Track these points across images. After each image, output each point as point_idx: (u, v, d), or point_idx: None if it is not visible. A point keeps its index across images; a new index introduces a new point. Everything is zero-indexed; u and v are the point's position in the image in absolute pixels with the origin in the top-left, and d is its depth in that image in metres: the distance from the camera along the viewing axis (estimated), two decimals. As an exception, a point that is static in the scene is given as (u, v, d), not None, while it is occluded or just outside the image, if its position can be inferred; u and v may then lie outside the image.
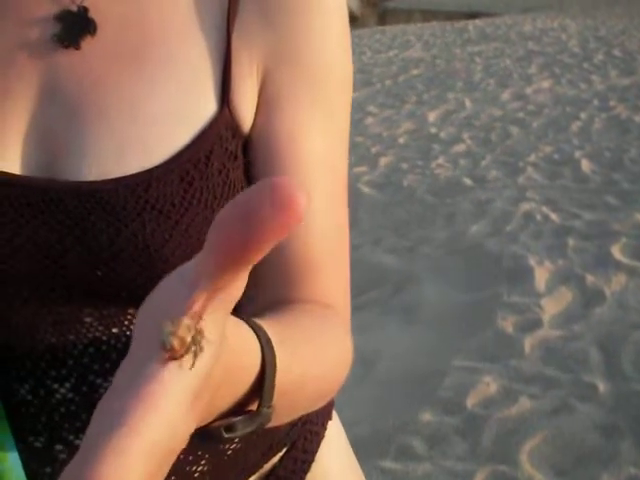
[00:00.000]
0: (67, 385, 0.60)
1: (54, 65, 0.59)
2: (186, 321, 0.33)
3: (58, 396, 0.60)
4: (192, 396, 0.33)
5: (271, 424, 0.48)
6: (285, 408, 0.49)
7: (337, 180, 0.64)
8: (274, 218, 0.29)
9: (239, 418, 0.44)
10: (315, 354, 0.56)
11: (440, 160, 5.75)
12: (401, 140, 6.42)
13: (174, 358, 0.33)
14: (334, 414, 0.80)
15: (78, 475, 0.29)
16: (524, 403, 2.61)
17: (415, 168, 5.58)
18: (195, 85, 0.60)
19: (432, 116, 7.28)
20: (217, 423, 0.43)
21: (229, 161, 0.60)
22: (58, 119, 0.58)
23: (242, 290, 0.35)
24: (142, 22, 0.60)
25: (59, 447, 0.61)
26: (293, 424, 0.72)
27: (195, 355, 0.33)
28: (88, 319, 0.59)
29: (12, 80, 0.59)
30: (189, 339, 0.33)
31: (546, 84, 8.50)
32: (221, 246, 0.31)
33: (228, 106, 0.60)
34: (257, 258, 0.31)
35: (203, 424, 0.42)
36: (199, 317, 0.33)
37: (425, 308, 3.42)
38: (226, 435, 0.43)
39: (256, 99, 0.62)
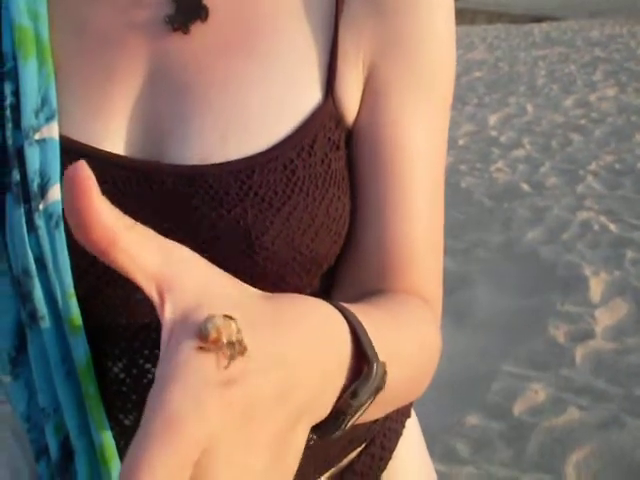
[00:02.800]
0: None
1: (162, 48, 0.60)
2: (230, 321, 0.35)
3: (150, 375, 0.61)
4: (237, 404, 0.33)
5: (369, 415, 0.48)
6: (378, 404, 0.48)
7: (437, 176, 0.64)
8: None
9: (357, 382, 0.44)
10: (409, 342, 0.56)
11: (499, 164, 5.69)
12: (461, 142, 6.37)
13: (207, 349, 0.34)
14: (412, 412, 0.80)
15: (127, 474, 0.30)
16: (572, 414, 2.58)
17: (474, 171, 5.54)
18: (301, 74, 0.60)
19: (493, 119, 7.21)
20: (343, 397, 0.43)
21: (331, 151, 0.60)
22: (163, 102, 0.59)
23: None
24: (252, 12, 0.60)
25: None
26: (374, 420, 0.72)
27: (231, 357, 0.34)
28: None
29: (119, 60, 0.59)
30: (225, 337, 0.34)
31: (611, 92, 8.33)
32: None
33: (332, 96, 0.60)
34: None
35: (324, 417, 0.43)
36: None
37: (477, 311, 3.40)
38: (353, 403, 0.44)
39: (361, 90, 0.62)
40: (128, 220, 0.37)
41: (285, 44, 0.60)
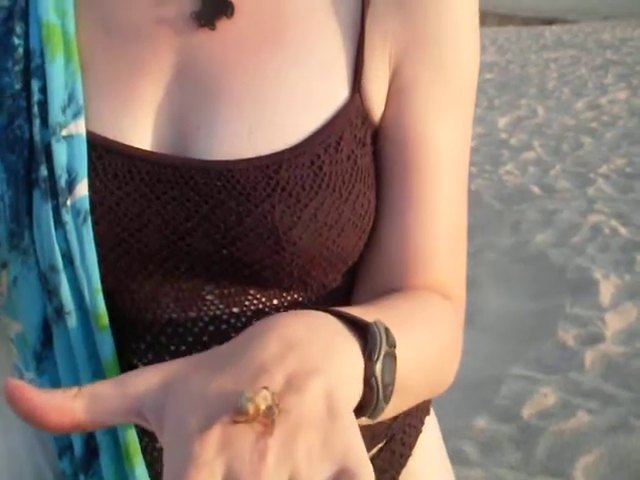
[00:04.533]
0: None
1: (189, 44, 0.60)
2: (265, 392, 0.38)
3: None
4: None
5: (394, 407, 0.50)
6: (400, 393, 0.50)
7: (461, 173, 0.64)
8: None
9: (365, 345, 0.46)
10: (425, 337, 0.57)
11: (509, 166, 5.68)
12: (470, 144, 6.36)
13: (245, 422, 0.37)
14: (431, 410, 0.80)
15: None
16: (582, 417, 2.57)
17: (483, 173, 5.53)
18: (327, 70, 0.60)
19: (503, 121, 7.20)
20: (366, 370, 0.46)
21: (358, 147, 0.60)
22: (190, 97, 0.59)
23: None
24: (278, 8, 0.61)
25: None
26: (395, 417, 0.72)
27: (271, 423, 0.37)
28: (209, 297, 0.59)
29: (146, 56, 0.60)
30: (263, 407, 0.37)
31: (622, 95, 8.31)
32: None
33: (359, 92, 0.60)
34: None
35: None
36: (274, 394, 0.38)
37: (485, 314, 3.39)
38: (375, 367, 0.46)
39: (387, 87, 0.62)
40: (70, 390, 0.43)
41: (312, 40, 0.60)
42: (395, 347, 0.48)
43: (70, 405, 0.42)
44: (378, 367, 0.46)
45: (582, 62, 11.12)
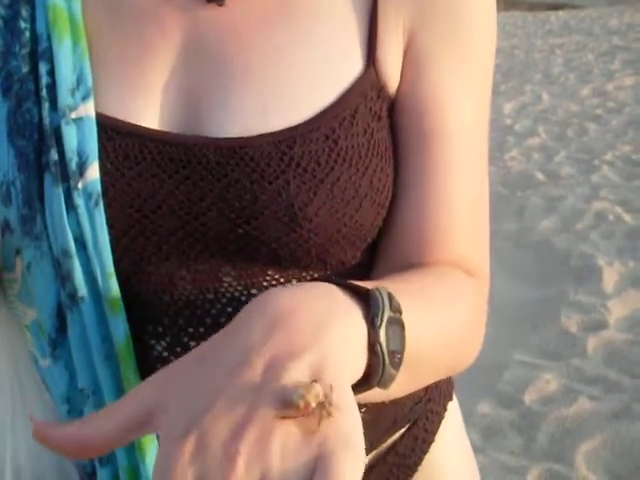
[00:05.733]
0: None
1: (197, 21, 0.59)
2: (317, 387, 0.38)
3: None
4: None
5: (399, 390, 0.50)
6: (413, 364, 0.49)
7: (480, 145, 0.63)
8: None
9: (368, 311, 0.46)
10: (446, 312, 0.56)
11: (514, 152, 5.67)
12: (475, 130, 6.35)
13: (294, 417, 0.37)
14: (454, 396, 0.80)
15: None
16: (583, 404, 2.58)
17: (488, 159, 5.51)
18: (341, 43, 0.59)
19: (508, 107, 7.17)
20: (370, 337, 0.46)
21: (373, 121, 0.59)
22: (200, 75, 0.58)
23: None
24: None
25: None
26: (417, 401, 0.72)
27: (320, 419, 0.37)
28: (227, 278, 0.59)
29: (154, 35, 0.59)
30: (314, 404, 0.37)
31: (629, 81, 8.26)
32: None
33: (374, 65, 0.60)
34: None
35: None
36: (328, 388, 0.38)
37: (489, 300, 3.38)
38: (379, 333, 0.45)
39: (401, 59, 0.61)
40: (86, 418, 0.44)
41: (322, 13, 0.60)
42: (400, 313, 0.48)
43: (85, 432, 0.43)
44: (382, 333, 0.46)
45: (588, 48, 11.06)
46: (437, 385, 0.76)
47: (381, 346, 0.45)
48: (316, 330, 0.42)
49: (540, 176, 5.09)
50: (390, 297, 0.47)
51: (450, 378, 0.80)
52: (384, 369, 0.46)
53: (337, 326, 0.43)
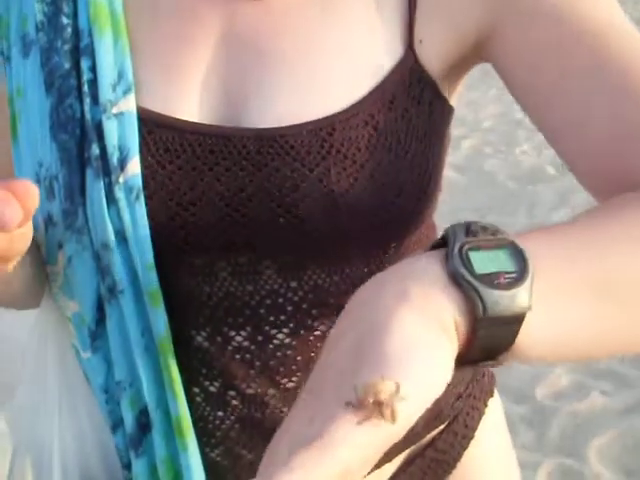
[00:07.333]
0: (243, 334, 0.61)
1: (235, 14, 0.60)
2: (388, 384, 0.37)
3: (234, 344, 0.61)
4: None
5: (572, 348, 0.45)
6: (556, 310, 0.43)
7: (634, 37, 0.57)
8: None
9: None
10: (619, 252, 0.48)
11: (524, 147, 5.65)
12: (485, 124, 6.32)
13: (362, 413, 0.36)
14: (495, 393, 0.79)
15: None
16: (595, 399, 2.57)
17: (498, 153, 5.50)
18: (378, 29, 0.59)
19: (518, 101, 7.15)
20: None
21: (412, 106, 0.59)
22: (239, 68, 0.59)
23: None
24: None
25: (232, 393, 0.63)
26: (458, 397, 0.72)
27: (390, 415, 0.36)
28: (267, 271, 0.59)
29: (191, 27, 0.60)
30: (380, 398, 0.36)
31: None
32: None
33: (412, 49, 0.59)
34: None
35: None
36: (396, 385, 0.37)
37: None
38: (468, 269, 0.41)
39: (449, 39, 0.59)
40: None
41: (360, 1, 0.60)
42: (477, 234, 0.43)
43: None
44: (455, 260, 0.41)
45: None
46: (478, 381, 0.76)
47: (457, 272, 0.40)
48: (404, 356, 0.39)
49: (551, 170, 5.07)
50: (467, 226, 0.43)
51: (492, 374, 0.80)
52: (480, 294, 0.40)
53: (419, 283, 0.40)
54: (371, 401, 0.36)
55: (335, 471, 0.34)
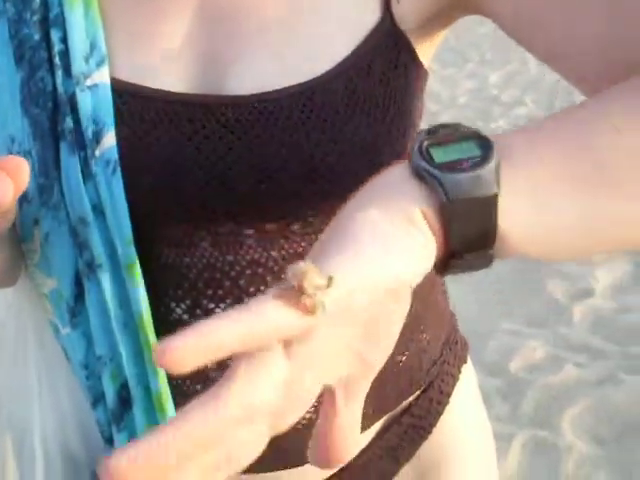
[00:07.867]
0: (222, 306, 0.60)
1: None
2: (310, 272, 0.36)
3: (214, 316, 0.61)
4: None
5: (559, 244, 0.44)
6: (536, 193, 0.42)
7: None
8: None
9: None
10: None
11: (500, 122, 5.66)
12: (461, 100, 6.33)
13: (284, 295, 0.36)
14: (468, 359, 0.80)
15: None
16: (569, 371, 2.60)
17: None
18: None
19: (494, 77, 7.15)
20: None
21: (390, 70, 0.59)
22: (215, 35, 0.58)
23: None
24: None
25: (213, 366, 0.61)
26: (432, 363, 0.73)
27: (305, 306, 0.35)
28: (248, 240, 0.59)
29: (165, 0, 0.58)
30: (303, 285, 0.35)
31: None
32: None
33: (390, 13, 0.59)
34: None
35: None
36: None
37: (475, 269, 3.40)
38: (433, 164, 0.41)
39: (425, 6, 0.59)
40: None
41: None
42: (438, 132, 0.43)
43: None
44: (415, 157, 0.42)
45: (575, 17, 11.01)
46: (451, 348, 0.77)
47: (419, 166, 0.41)
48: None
49: (526, 146, 5.10)
50: (429, 129, 0.43)
51: (465, 342, 0.81)
52: (439, 180, 0.40)
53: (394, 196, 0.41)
54: (295, 286, 0.35)
55: (248, 337, 0.34)
